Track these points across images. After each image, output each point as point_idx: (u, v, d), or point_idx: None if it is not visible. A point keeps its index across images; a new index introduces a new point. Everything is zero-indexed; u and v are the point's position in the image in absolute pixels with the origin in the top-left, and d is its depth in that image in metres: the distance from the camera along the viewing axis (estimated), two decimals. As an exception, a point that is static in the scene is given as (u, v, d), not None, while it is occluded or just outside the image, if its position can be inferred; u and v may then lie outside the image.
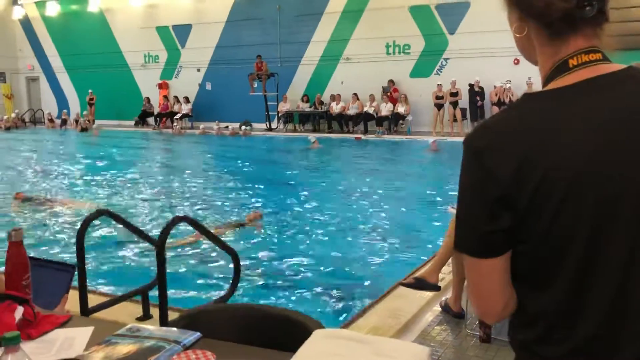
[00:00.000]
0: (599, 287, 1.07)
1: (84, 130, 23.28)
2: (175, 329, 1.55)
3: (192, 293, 5.23)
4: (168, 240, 3.62)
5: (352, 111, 19.84)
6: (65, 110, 25.80)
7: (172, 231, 6.36)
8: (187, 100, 23.61)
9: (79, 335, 1.53)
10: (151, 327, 1.57)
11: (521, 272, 1.14)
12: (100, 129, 22.45)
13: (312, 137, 16.68)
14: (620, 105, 1.07)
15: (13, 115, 26.04)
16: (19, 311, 1.54)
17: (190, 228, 4.37)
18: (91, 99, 24.79)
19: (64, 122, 25.07)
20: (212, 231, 6.90)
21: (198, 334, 1.51)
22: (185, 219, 3.77)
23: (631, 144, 1.05)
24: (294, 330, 1.53)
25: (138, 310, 4.00)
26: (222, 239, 6.37)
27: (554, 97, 1.11)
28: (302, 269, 5.94)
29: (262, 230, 7.38)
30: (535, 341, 1.14)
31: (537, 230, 1.08)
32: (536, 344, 1.14)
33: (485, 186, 1.09)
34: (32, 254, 1.86)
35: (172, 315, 3.32)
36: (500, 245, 1.12)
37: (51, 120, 25.62)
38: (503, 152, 1.08)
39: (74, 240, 3.74)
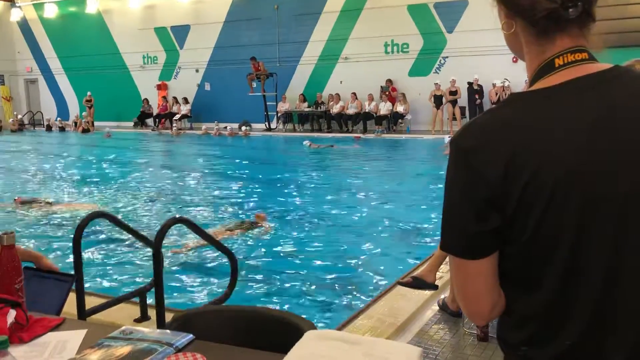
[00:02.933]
0: (586, 289, 1.06)
1: (85, 131, 23.25)
2: (168, 331, 1.55)
3: (191, 295, 5.23)
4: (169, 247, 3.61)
5: (351, 110, 19.84)
6: (60, 118, 25.66)
7: (174, 233, 6.44)
8: (185, 101, 23.63)
9: (72, 338, 1.53)
10: (145, 329, 1.57)
11: (508, 273, 1.13)
12: (102, 130, 22.35)
13: (306, 141, 16.83)
14: (606, 105, 1.07)
15: (17, 116, 26.07)
16: (11, 314, 1.54)
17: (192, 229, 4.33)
18: (89, 101, 24.77)
19: (62, 129, 24.98)
20: (222, 230, 6.95)
21: (190, 335, 1.50)
22: (182, 220, 3.76)
23: (616, 143, 1.05)
24: (287, 331, 1.53)
25: (136, 312, 4.00)
26: (229, 239, 6.40)
27: (541, 97, 1.10)
28: (300, 269, 5.94)
29: (268, 231, 7.36)
30: (522, 343, 1.14)
31: (525, 230, 1.07)
32: (524, 346, 1.13)
33: (474, 186, 1.08)
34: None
35: (170, 317, 3.31)
36: (488, 247, 1.11)
37: (50, 124, 25.60)
38: (491, 151, 1.07)
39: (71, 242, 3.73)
